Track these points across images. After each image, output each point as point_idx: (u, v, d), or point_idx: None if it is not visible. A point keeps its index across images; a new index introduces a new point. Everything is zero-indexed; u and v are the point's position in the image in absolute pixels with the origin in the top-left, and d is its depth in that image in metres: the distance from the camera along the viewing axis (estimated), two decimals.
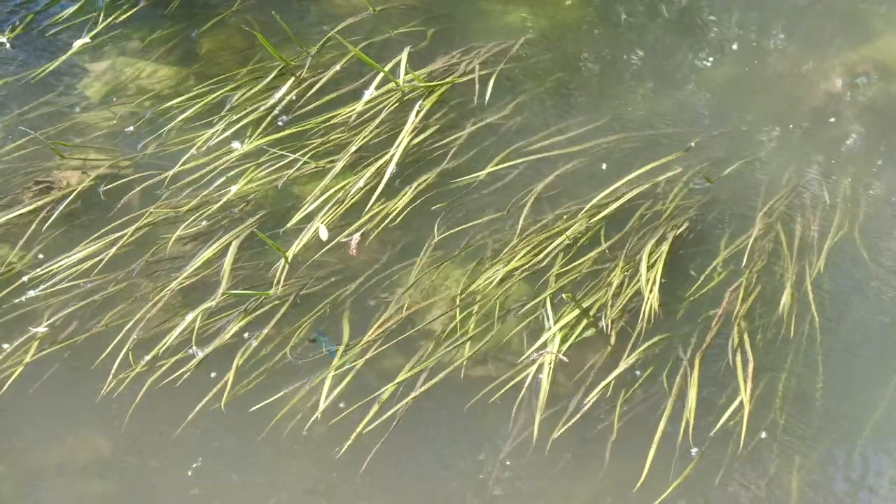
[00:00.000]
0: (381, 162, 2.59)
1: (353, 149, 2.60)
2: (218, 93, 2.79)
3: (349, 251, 2.44)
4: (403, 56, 2.75)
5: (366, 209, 2.50)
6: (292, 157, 2.60)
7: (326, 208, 2.50)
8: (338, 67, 2.80)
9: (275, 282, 2.37)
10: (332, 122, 2.69)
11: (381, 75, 2.71)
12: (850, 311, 2.36)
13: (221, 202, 2.54)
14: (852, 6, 3.07)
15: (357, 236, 2.45)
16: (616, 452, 2.15)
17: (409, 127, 2.62)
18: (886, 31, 2.97)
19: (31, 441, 2.23)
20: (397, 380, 2.22)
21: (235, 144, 2.64)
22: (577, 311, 2.28)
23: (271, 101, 2.75)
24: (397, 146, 2.59)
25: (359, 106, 2.68)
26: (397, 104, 2.71)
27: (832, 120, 2.79)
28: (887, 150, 2.71)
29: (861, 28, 3.00)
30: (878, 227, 2.53)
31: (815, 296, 2.36)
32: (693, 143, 2.65)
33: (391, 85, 2.73)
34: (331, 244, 2.46)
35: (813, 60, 2.92)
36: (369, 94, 2.71)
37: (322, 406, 2.19)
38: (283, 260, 2.39)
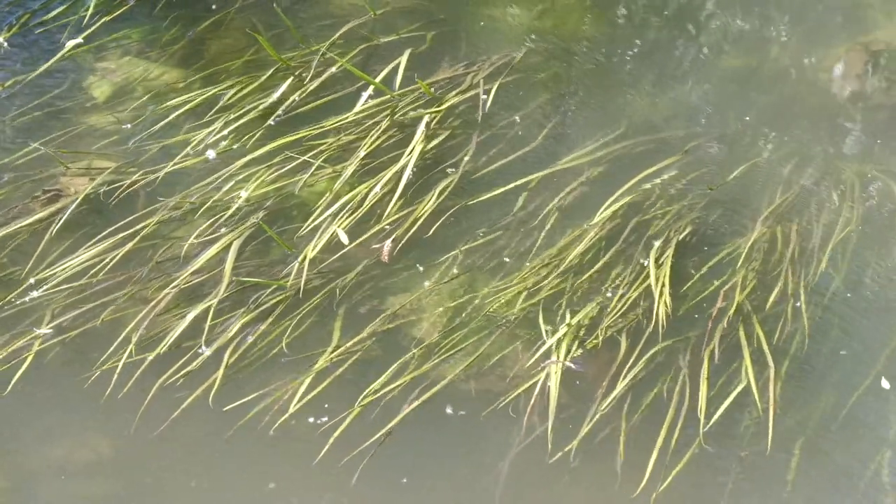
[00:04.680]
0: (378, 168, 2.62)
1: (361, 154, 2.61)
2: (215, 90, 2.80)
3: (382, 258, 2.47)
4: (402, 63, 2.77)
5: (381, 216, 2.52)
6: (302, 158, 2.63)
7: (328, 212, 2.53)
8: (334, 69, 2.80)
9: (293, 274, 2.41)
10: (337, 127, 2.71)
11: (375, 84, 2.72)
12: (851, 308, 2.42)
13: (232, 205, 2.56)
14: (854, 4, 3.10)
15: (389, 242, 2.47)
16: (626, 457, 2.20)
17: (418, 136, 2.64)
18: (886, 25, 3.01)
19: (30, 441, 2.25)
20: (396, 384, 2.27)
21: (210, 153, 2.66)
22: (581, 320, 2.33)
23: (271, 102, 2.76)
24: (410, 153, 2.60)
25: (350, 115, 2.69)
26: (397, 114, 2.73)
27: (832, 116, 2.81)
28: (888, 146, 2.74)
29: (859, 22, 3.02)
30: (882, 222, 2.58)
31: (820, 294, 2.43)
32: (693, 146, 2.68)
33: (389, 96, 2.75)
34: (331, 247, 2.48)
35: (812, 56, 2.93)
36: (362, 102, 2.72)
37: (295, 404, 2.23)
38: (300, 257, 2.42)
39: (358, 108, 2.71)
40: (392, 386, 2.27)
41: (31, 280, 2.43)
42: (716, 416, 2.22)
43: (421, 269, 2.49)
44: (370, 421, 2.23)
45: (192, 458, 2.22)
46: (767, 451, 2.18)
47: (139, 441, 2.22)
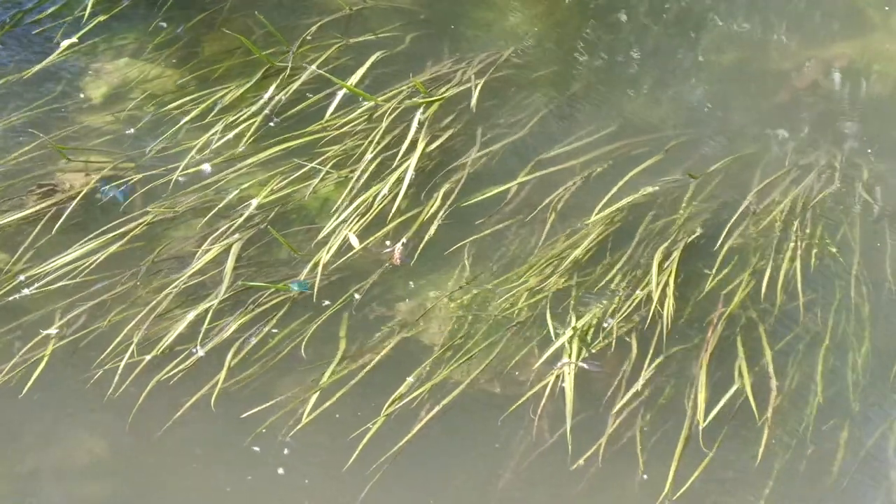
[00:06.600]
0: (380, 171, 2.60)
1: (367, 157, 2.60)
2: (218, 95, 2.78)
3: (393, 261, 2.45)
4: (366, 65, 2.77)
5: (387, 219, 2.51)
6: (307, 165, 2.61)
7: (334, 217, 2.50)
8: (304, 77, 2.79)
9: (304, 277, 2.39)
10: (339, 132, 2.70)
11: (350, 89, 2.72)
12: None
13: (230, 207, 2.54)
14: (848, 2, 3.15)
15: (400, 246, 2.46)
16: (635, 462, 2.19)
17: (410, 137, 2.62)
18: (881, 27, 3.07)
19: (30, 442, 2.21)
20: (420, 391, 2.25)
21: (205, 167, 2.63)
22: (589, 321, 2.32)
23: (271, 105, 2.74)
24: (404, 153, 2.58)
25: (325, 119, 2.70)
26: (394, 114, 2.71)
27: (830, 114, 2.86)
28: (886, 142, 2.79)
29: (854, 22, 3.07)
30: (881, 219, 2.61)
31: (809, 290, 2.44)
32: (672, 144, 2.70)
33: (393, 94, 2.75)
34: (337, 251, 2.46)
35: (808, 56, 2.99)
36: (333, 106, 2.71)
37: (307, 415, 2.21)
38: (312, 262, 2.40)
39: (330, 111, 2.70)
40: (413, 395, 2.24)
41: (21, 277, 2.39)
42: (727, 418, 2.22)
43: (429, 273, 2.47)
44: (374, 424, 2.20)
45: (192, 459, 2.19)
46: (758, 460, 2.17)
47: (138, 442, 2.19)
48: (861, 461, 2.20)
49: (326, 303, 2.37)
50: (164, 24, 2.99)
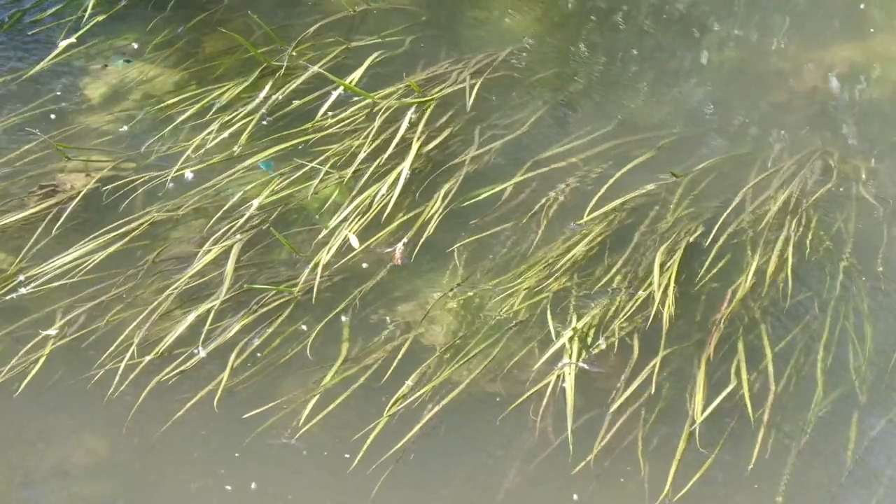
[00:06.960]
0: (378, 171, 2.61)
1: (361, 156, 2.60)
2: (214, 95, 2.78)
3: (394, 262, 2.45)
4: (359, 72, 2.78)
5: (386, 220, 2.50)
6: (310, 166, 2.61)
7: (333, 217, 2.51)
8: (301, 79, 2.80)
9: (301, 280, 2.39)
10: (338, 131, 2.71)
11: (348, 87, 2.74)
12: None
13: (232, 208, 2.54)
14: (848, 3, 3.17)
15: (401, 246, 2.46)
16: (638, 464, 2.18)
17: (399, 136, 2.63)
18: (882, 30, 3.08)
19: (29, 442, 2.21)
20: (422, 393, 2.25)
21: (189, 174, 2.62)
22: (590, 321, 2.32)
23: (270, 105, 2.76)
24: (402, 156, 2.59)
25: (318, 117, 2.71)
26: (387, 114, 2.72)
27: (831, 115, 2.88)
28: (885, 144, 2.81)
29: (856, 23, 3.09)
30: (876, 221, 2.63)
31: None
32: (665, 143, 2.71)
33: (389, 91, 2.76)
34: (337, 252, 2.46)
35: (806, 57, 3.01)
36: (326, 106, 2.72)
37: (305, 420, 2.20)
38: (312, 263, 2.40)
39: (323, 110, 2.71)
40: (415, 396, 2.24)
41: (21, 277, 2.38)
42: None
43: (429, 273, 2.47)
44: (373, 425, 2.20)
45: (192, 459, 2.19)
46: (753, 459, 2.16)
47: (138, 442, 2.19)
48: (863, 457, 2.21)
49: (304, 328, 2.36)
50: (165, 25, 2.99)
